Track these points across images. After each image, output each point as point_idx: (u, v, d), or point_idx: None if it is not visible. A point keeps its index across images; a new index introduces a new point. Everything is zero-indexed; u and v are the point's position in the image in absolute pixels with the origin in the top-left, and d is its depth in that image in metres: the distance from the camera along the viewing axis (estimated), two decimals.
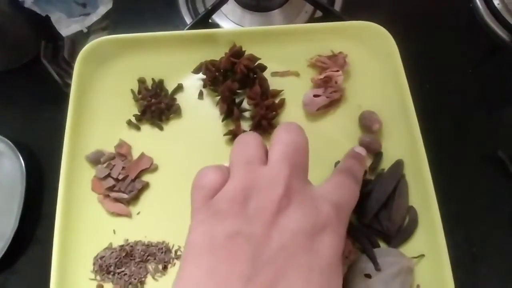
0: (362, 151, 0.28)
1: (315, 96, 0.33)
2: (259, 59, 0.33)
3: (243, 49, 0.33)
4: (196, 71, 0.34)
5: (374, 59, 0.35)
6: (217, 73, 0.34)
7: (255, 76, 0.34)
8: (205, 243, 0.18)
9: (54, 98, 0.40)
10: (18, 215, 0.34)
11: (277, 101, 0.34)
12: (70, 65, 0.40)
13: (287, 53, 0.36)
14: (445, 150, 0.34)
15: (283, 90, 0.34)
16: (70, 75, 0.39)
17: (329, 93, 0.33)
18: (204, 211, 0.19)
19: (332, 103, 0.33)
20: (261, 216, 0.18)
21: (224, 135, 0.33)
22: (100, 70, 0.35)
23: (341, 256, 0.19)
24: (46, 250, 0.34)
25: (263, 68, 0.34)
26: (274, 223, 0.18)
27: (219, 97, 0.34)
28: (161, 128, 0.34)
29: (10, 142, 0.37)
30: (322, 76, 0.33)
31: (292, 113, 0.34)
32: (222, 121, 0.34)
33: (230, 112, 0.33)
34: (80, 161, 0.32)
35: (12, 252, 0.34)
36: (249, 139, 0.22)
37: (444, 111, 0.38)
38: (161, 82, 0.35)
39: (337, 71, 0.33)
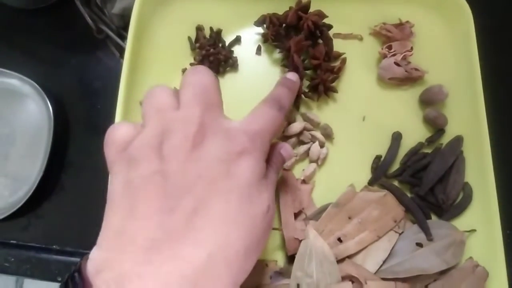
0: (293, 76, 0.27)
1: (396, 63, 0.31)
2: (327, 16, 0.32)
3: None
4: (259, 23, 0.33)
5: (444, 31, 0.34)
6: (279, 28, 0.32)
7: (319, 35, 0.32)
8: (122, 190, 0.19)
9: (84, 43, 0.38)
10: (45, 161, 0.33)
11: (337, 63, 0.33)
12: (102, 11, 0.37)
13: (350, 14, 0.34)
14: (498, 128, 0.33)
15: (345, 53, 0.33)
16: (103, 21, 0.37)
17: (410, 68, 0.31)
18: (119, 163, 0.20)
19: (406, 81, 0.32)
20: (176, 154, 0.18)
21: None
22: (159, 13, 0.34)
23: (262, 178, 0.20)
24: (70, 198, 0.34)
25: (329, 26, 0.32)
26: (189, 157, 0.18)
27: (279, 53, 0.33)
28: None
29: (37, 86, 0.35)
30: (399, 58, 0.31)
31: (353, 78, 0.33)
32: None
33: (296, 68, 0.31)
34: (134, 107, 0.31)
35: (36, 196, 0.33)
36: (156, 90, 0.22)
37: (506, 92, 0.36)
38: (219, 32, 0.34)
39: (410, 50, 0.32)
